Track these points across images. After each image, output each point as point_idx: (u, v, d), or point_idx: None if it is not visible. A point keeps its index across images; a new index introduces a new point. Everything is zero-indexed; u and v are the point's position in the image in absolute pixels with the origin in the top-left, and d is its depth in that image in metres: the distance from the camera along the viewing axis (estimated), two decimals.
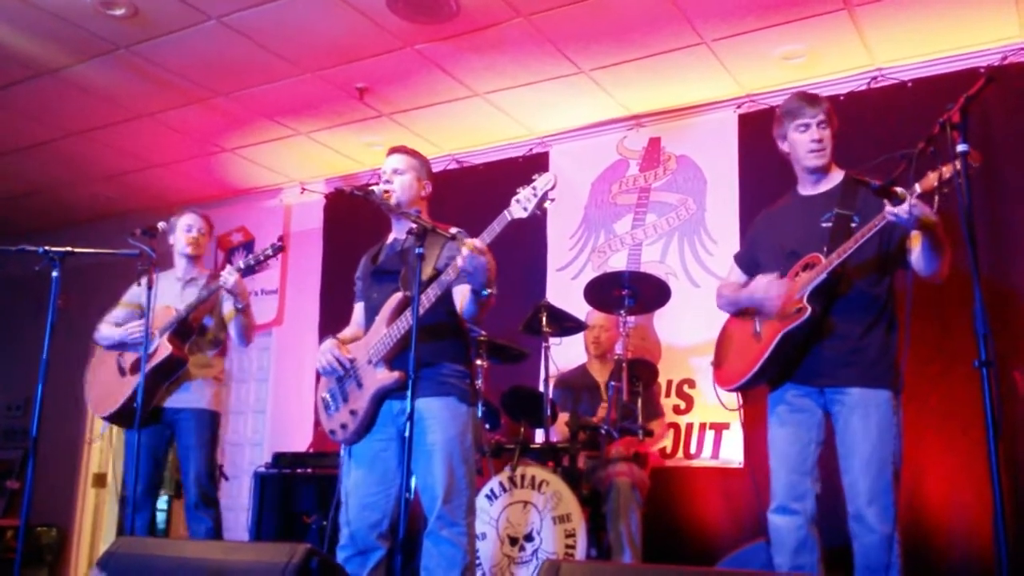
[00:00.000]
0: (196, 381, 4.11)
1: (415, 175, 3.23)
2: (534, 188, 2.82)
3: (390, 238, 3.33)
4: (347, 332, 3.30)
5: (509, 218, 2.85)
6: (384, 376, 3.01)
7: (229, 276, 3.90)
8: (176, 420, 4.10)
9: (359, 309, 3.34)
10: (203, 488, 4.07)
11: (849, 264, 2.88)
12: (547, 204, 2.81)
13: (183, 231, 4.27)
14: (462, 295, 2.97)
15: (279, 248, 3.90)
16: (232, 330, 4.17)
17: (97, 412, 4.17)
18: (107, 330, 4.20)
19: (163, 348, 3.96)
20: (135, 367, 4.01)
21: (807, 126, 3.05)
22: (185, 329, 4.07)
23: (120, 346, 4.11)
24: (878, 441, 2.80)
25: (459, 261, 2.80)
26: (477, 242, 2.79)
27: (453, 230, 3.01)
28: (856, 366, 2.88)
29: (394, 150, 3.30)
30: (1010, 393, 4.00)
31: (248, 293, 4.12)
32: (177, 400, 4.08)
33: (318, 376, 3.28)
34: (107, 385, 4.13)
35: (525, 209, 2.82)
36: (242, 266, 3.95)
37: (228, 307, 4.14)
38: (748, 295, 3.09)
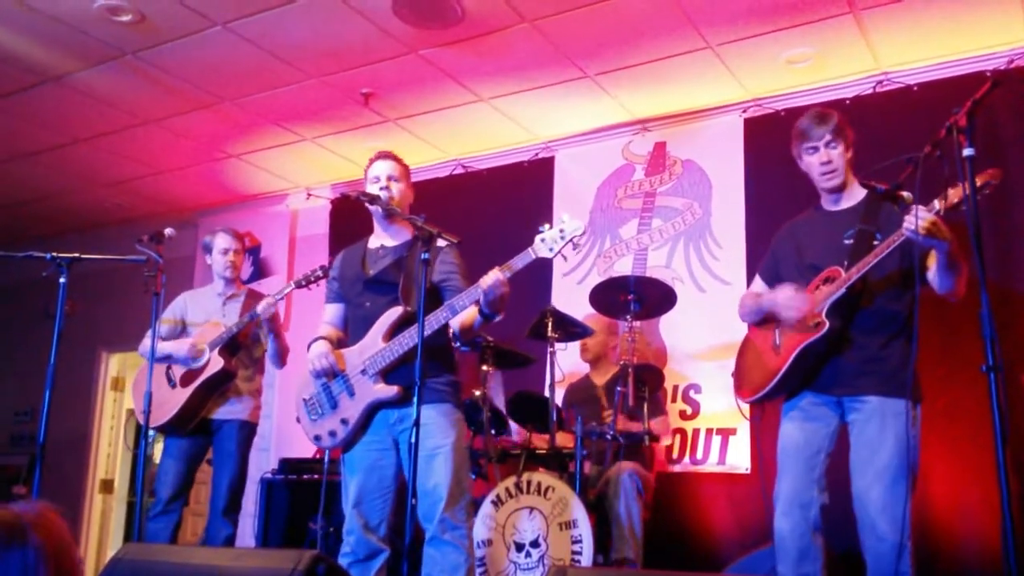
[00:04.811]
0: (241, 394, 4.27)
1: (407, 183, 3.28)
2: (562, 232, 2.84)
3: (375, 244, 3.29)
4: (328, 333, 3.27)
5: (533, 256, 2.87)
6: (382, 389, 3.04)
7: (268, 309, 4.06)
8: (219, 429, 4.24)
9: (333, 310, 3.33)
10: (236, 495, 4.21)
11: (869, 279, 2.86)
12: (571, 250, 2.85)
13: (220, 253, 4.41)
14: (468, 315, 2.99)
15: (327, 270, 3.97)
16: (267, 353, 4.32)
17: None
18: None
19: (215, 362, 4.13)
20: (185, 379, 4.16)
21: (815, 148, 3.02)
22: (234, 344, 4.22)
23: (166, 359, 4.22)
24: (894, 450, 2.76)
25: (484, 282, 2.82)
26: (502, 274, 2.82)
27: (451, 239, 3.00)
28: (875, 375, 2.85)
29: (386, 156, 3.29)
30: (1017, 397, 3.98)
31: (281, 324, 4.30)
32: (224, 412, 4.23)
33: None
34: (157, 396, 4.17)
35: (551, 250, 2.85)
36: (284, 290, 4.15)
37: (263, 333, 4.30)
38: (770, 299, 3.07)
